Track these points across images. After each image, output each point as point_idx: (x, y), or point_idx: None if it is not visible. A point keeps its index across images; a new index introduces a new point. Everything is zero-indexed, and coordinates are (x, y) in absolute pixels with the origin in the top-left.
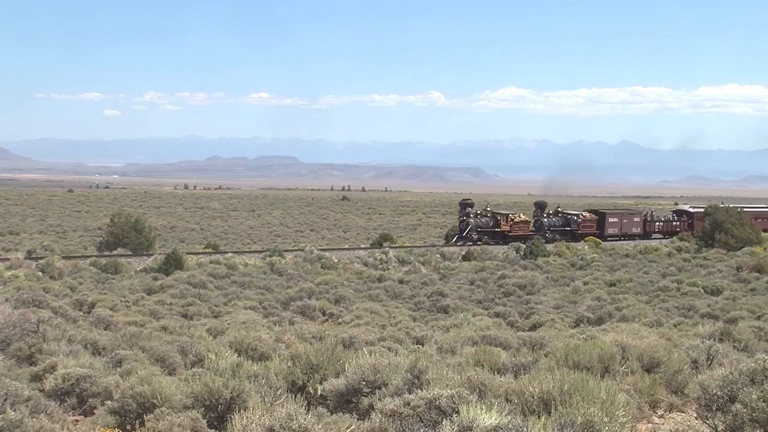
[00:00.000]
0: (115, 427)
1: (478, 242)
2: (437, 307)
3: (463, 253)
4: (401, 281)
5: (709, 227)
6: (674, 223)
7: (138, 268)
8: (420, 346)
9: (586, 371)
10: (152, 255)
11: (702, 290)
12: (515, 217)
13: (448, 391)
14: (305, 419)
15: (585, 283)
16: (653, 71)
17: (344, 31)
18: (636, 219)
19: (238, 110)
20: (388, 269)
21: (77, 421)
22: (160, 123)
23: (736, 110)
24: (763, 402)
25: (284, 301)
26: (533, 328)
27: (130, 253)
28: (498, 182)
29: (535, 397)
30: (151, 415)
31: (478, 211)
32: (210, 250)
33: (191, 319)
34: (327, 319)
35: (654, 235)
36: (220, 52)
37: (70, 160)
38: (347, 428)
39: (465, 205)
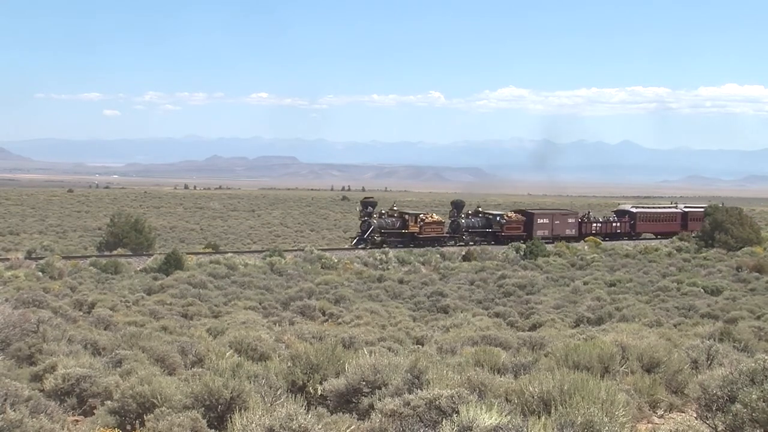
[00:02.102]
0: (115, 427)
1: (383, 245)
2: (437, 307)
3: (463, 253)
4: (401, 281)
5: (709, 227)
6: (614, 224)
7: (138, 268)
8: (420, 346)
9: (586, 371)
10: (152, 255)
11: (702, 290)
12: (426, 217)
13: (448, 391)
14: (305, 419)
15: (585, 283)
16: (653, 71)
17: (344, 31)
18: (570, 220)
19: (238, 110)
20: (388, 269)
21: (77, 421)
22: (160, 123)
23: (736, 110)
24: (763, 402)
25: (284, 301)
26: (533, 328)
27: (130, 253)
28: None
29: (535, 397)
30: (151, 415)
31: (383, 211)
32: (210, 250)
33: (191, 319)
34: (327, 319)
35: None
36: (220, 52)
37: (70, 160)
38: (347, 428)
39: (366, 203)
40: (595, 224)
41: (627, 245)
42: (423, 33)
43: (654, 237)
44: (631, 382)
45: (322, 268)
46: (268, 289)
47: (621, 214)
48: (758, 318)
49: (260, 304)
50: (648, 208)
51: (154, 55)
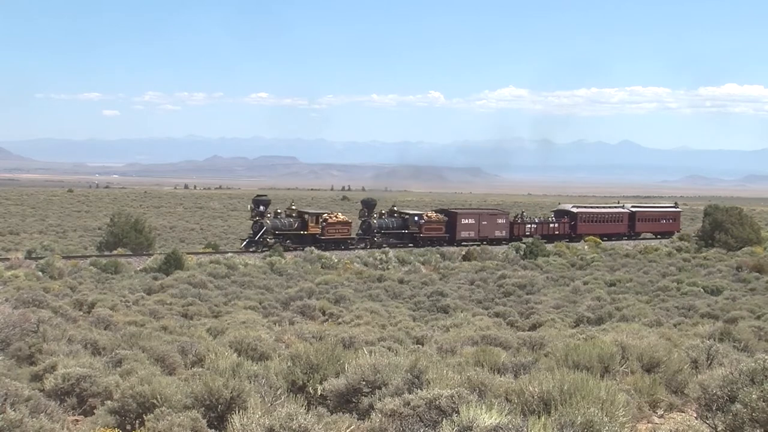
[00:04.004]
0: (115, 427)
1: (282, 247)
2: (437, 307)
3: (463, 252)
4: (401, 281)
5: (709, 227)
6: (552, 225)
7: (138, 268)
8: (420, 346)
9: (586, 371)
10: (152, 255)
11: (702, 290)
12: (330, 217)
13: (448, 391)
14: (305, 419)
15: (585, 283)
16: (653, 71)
17: (344, 31)
18: (500, 221)
19: (238, 110)
20: (388, 269)
21: (77, 421)
22: (160, 123)
23: (736, 110)
24: (763, 402)
25: (284, 301)
26: (533, 328)
27: (130, 253)
28: (498, 182)
29: (535, 397)
30: (151, 415)
31: (278, 210)
32: (210, 250)
33: (191, 319)
34: (327, 319)
35: (527, 239)
36: (219, 52)
37: (70, 160)
38: (347, 428)
39: (258, 202)
40: (529, 225)
41: (627, 245)
42: (423, 33)
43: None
44: (631, 382)
45: (322, 267)
46: (268, 289)
47: (560, 214)
48: (758, 318)
49: (260, 303)
50: (590, 208)
51: (153, 55)
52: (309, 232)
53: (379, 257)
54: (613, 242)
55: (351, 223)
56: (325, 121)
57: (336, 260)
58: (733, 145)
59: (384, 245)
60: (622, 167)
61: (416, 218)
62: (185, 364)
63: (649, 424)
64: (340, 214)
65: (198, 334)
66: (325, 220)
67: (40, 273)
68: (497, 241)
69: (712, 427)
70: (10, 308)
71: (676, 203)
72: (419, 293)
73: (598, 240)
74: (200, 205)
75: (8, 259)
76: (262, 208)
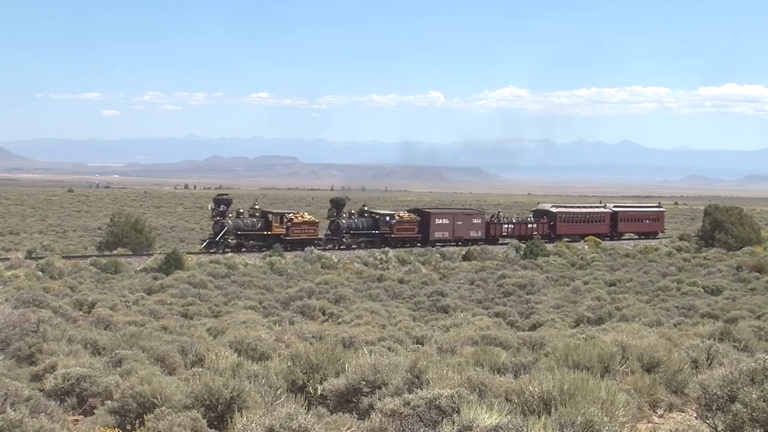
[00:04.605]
0: (115, 427)
1: (242, 249)
2: (437, 306)
3: (463, 252)
4: (401, 281)
5: (709, 227)
6: (530, 226)
7: (138, 268)
8: (420, 346)
9: (586, 371)
10: (152, 255)
11: (702, 290)
12: (296, 217)
13: (448, 390)
14: (305, 419)
15: (585, 283)
16: (652, 71)
17: (344, 31)
18: (475, 221)
19: (238, 110)
20: (388, 269)
21: (77, 420)
22: (160, 123)
23: (736, 110)
24: (763, 402)
25: (284, 300)
26: (533, 327)
27: (130, 253)
28: (498, 182)
29: (535, 396)
30: (151, 415)
31: (241, 210)
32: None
33: (191, 319)
34: (327, 319)
35: (504, 240)
36: (219, 52)
37: (70, 160)
38: (347, 428)
39: (219, 201)
40: (506, 225)
41: (627, 245)
42: (423, 33)
43: (577, 240)
44: (631, 381)
45: (322, 267)
46: (268, 289)
47: (539, 214)
48: (758, 318)
49: (260, 303)
50: (570, 207)
51: (153, 55)
52: (273, 232)
53: (379, 257)
54: (613, 242)
55: (318, 223)
56: (325, 121)
57: (336, 260)
58: (733, 145)
59: (353, 246)
60: (622, 167)
61: (387, 218)
62: (185, 364)
63: (649, 424)
64: (306, 214)
65: (198, 334)
66: (290, 220)
67: (40, 273)
68: (473, 242)
69: (712, 427)
70: (10, 308)
71: (659, 203)
72: (419, 293)
73: (598, 240)
74: (200, 205)
75: (8, 259)
76: (223, 207)
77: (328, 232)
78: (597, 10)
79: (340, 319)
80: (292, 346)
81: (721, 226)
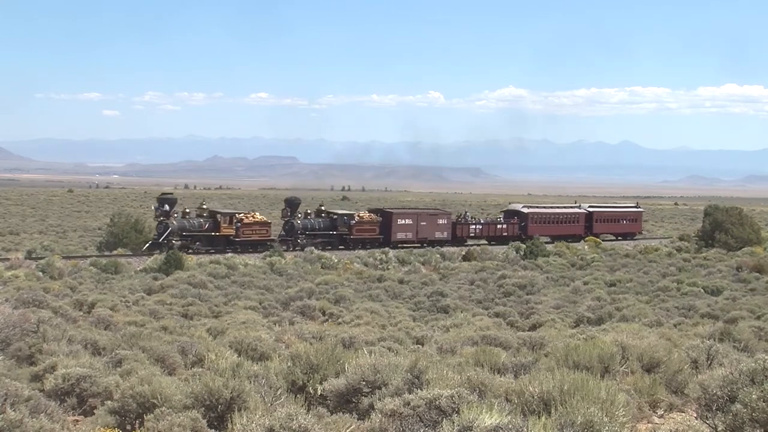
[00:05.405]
0: (115, 427)
1: (188, 250)
2: (437, 307)
3: (463, 253)
4: (401, 281)
5: (709, 227)
6: (500, 227)
7: (138, 268)
8: (420, 346)
9: (586, 371)
10: (152, 255)
11: (702, 290)
12: (247, 217)
13: (448, 391)
14: (305, 419)
15: (585, 283)
16: (652, 71)
17: (344, 31)
18: (441, 221)
19: (238, 110)
20: (388, 269)
21: (77, 421)
22: (160, 123)
23: (736, 110)
24: (763, 402)
25: (284, 301)
26: (533, 328)
27: (130, 253)
28: (498, 182)
29: (535, 397)
30: (151, 415)
31: (187, 210)
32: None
33: (191, 319)
34: (327, 319)
35: (471, 241)
36: (219, 52)
37: (70, 160)
38: (347, 428)
39: (163, 201)
40: (474, 226)
41: (627, 245)
42: (423, 33)
43: (551, 241)
44: (631, 382)
45: (322, 268)
46: (268, 289)
47: (510, 214)
48: (758, 318)
49: (260, 304)
50: (543, 208)
51: (153, 55)
52: (222, 233)
53: (379, 257)
54: (613, 242)
55: (270, 223)
56: (325, 121)
57: (336, 260)
58: (733, 145)
59: (309, 248)
60: (622, 167)
61: (346, 218)
62: (185, 364)
63: (649, 424)
64: (257, 214)
65: (198, 335)
66: (240, 220)
67: (40, 273)
68: (438, 243)
69: (712, 427)
70: (10, 308)
71: (637, 203)
72: (419, 293)
73: (598, 240)
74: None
75: (8, 259)
76: (167, 207)
77: (282, 233)
78: (596, 11)
79: (340, 320)
80: (292, 347)
81: (721, 226)
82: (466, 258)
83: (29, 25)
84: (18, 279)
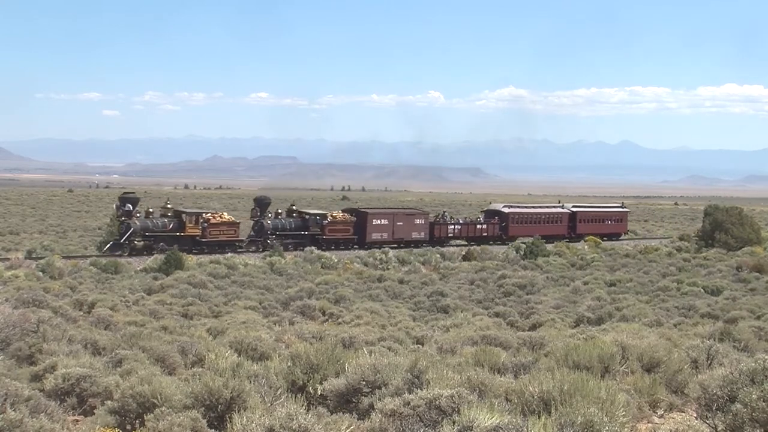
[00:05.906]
0: (115, 427)
1: (152, 252)
2: (437, 307)
3: (463, 252)
4: (401, 281)
5: (709, 227)
6: (479, 227)
7: (138, 268)
8: (420, 346)
9: (586, 371)
10: (152, 255)
11: (702, 290)
12: (214, 217)
13: (448, 391)
14: (305, 419)
15: (585, 283)
16: (652, 71)
17: (344, 31)
18: (418, 221)
19: (238, 110)
20: (388, 269)
21: (77, 421)
22: (160, 123)
23: (736, 110)
24: (763, 402)
25: (284, 301)
26: (533, 328)
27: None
28: (498, 182)
29: (535, 397)
30: (151, 415)
31: (151, 209)
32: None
33: (191, 319)
34: (327, 319)
35: (451, 242)
36: (219, 52)
37: (70, 160)
38: (347, 428)
39: (125, 200)
40: (452, 226)
41: (627, 245)
42: (423, 33)
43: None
44: (631, 382)
45: (322, 268)
46: (268, 289)
47: (490, 214)
48: (758, 318)
49: (260, 304)
50: (524, 207)
51: (153, 55)
52: (187, 233)
53: (379, 257)
54: (613, 242)
55: (239, 223)
56: (325, 121)
57: (336, 260)
58: (733, 145)
59: (280, 248)
60: (622, 167)
61: (318, 218)
62: (185, 364)
63: (649, 424)
64: (225, 213)
65: (198, 334)
66: (207, 220)
67: (40, 273)
68: (415, 244)
69: (712, 427)
70: (10, 308)
71: (623, 203)
72: (419, 293)
73: (598, 240)
74: (200, 205)
75: (8, 259)
76: (129, 207)
77: (252, 234)
78: (595, 11)
79: (340, 320)
80: (292, 347)
81: (721, 226)
82: (466, 258)
83: (29, 25)
84: (18, 279)
